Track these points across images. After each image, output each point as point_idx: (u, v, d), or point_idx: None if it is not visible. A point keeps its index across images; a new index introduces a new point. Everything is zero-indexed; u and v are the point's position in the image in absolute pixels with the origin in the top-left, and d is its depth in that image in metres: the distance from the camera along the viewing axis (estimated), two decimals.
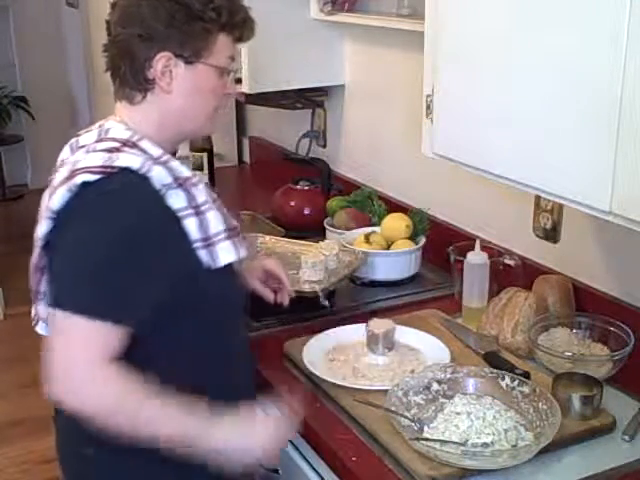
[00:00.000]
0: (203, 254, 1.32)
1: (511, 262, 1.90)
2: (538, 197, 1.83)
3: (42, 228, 1.30)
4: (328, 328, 1.76)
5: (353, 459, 1.38)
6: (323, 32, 2.51)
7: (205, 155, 3.04)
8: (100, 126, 1.40)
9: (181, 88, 1.36)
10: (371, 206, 2.30)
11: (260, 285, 1.72)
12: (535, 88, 1.33)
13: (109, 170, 1.26)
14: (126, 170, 1.27)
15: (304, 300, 1.81)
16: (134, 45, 1.32)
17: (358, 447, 1.41)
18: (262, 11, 2.37)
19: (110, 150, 1.30)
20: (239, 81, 2.45)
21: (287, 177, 2.56)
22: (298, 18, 2.46)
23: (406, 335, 1.72)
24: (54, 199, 1.27)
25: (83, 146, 1.37)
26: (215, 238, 1.33)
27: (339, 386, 1.55)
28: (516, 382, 1.46)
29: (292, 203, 2.48)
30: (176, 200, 1.30)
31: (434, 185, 2.22)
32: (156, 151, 1.33)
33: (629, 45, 1.13)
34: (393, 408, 1.40)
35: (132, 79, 1.35)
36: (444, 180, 2.12)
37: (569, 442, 1.38)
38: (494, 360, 1.61)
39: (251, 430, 1.33)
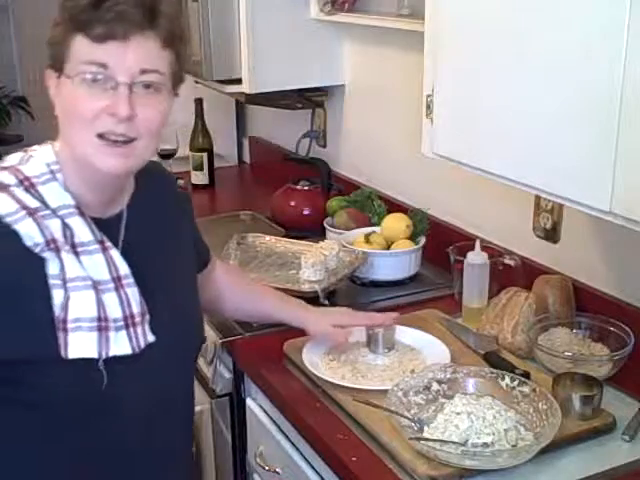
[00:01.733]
0: (59, 337, 1.14)
1: (511, 262, 1.90)
2: (538, 197, 1.83)
3: None
4: None
5: (353, 459, 1.37)
6: (323, 32, 2.51)
7: (205, 155, 3.04)
8: (27, 151, 1.25)
9: (58, 108, 1.20)
10: (371, 206, 2.30)
11: (332, 330, 1.64)
12: (535, 88, 1.33)
13: None
14: None
15: (304, 300, 1.81)
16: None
17: (358, 447, 1.41)
18: (262, 11, 2.40)
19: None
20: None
21: (287, 177, 2.56)
22: (298, 18, 2.46)
23: (406, 335, 1.73)
24: None
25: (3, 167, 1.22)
26: (72, 324, 1.14)
27: (339, 386, 1.55)
28: (516, 382, 1.46)
29: (292, 203, 2.48)
30: (51, 265, 1.14)
31: (434, 185, 2.22)
32: (58, 200, 1.17)
33: (629, 45, 1.13)
34: (393, 408, 1.40)
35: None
36: (444, 180, 2.12)
37: (569, 442, 1.38)
38: (494, 360, 1.61)
39: None
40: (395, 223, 2.13)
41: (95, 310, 1.15)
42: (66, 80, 1.15)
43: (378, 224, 2.19)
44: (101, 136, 1.14)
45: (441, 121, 1.58)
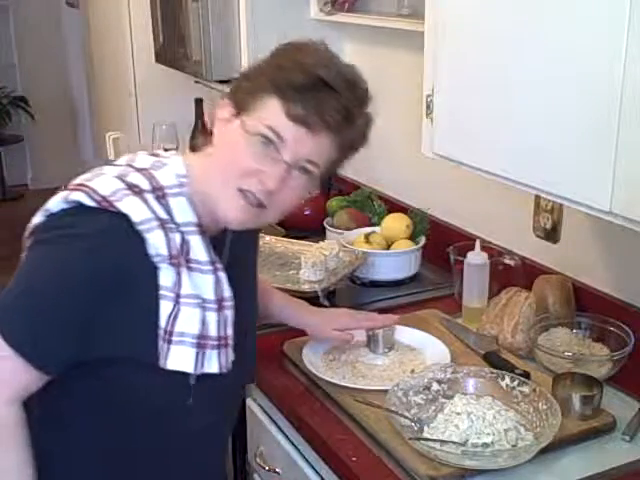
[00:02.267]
0: (160, 346, 1.19)
1: (511, 262, 1.90)
2: (538, 197, 1.83)
3: (36, 219, 1.22)
4: None
5: (353, 459, 1.37)
6: (323, 32, 2.49)
7: None
8: (158, 156, 1.28)
9: (217, 138, 1.23)
10: (371, 206, 2.30)
11: (336, 334, 1.65)
12: (535, 88, 1.33)
13: (108, 206, 1.16)
14: (121, 216, 1.15)
15: (304, 300, 1.81)
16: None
17: (358, 447, 1.41)
18: (262, 11, 2.40)
19: (130, 186, 1.18)
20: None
21: None
22: (298, 18, 2.46)
23: (406, 335, 1.73)
24: (53, 198, 1.20)
25: (130, 165, 1.25)
26: (176, 337, 1.19)
27: (339, 386, 1.55)
28: (516, 382, 1.46)
29: None
30: (164, 276, 1.17)
31: (434, 185, 2.22)
32: (185, 216, 1.20)
33: (629, 45, 1.13)
34: (393, 408, 1.40)
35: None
36: (444, 180, 2.11)
37: (569, 442, 1.38)
38: (494, 360, 1.61)
39: None
40: (395, 223, 2.13)
41: (199, 328, 1.20)
42: (241, 128, 1.18)
43: (378, 224, 2.19)
44: (240, 190, 1.18)
45: (441, 121, 1.58)
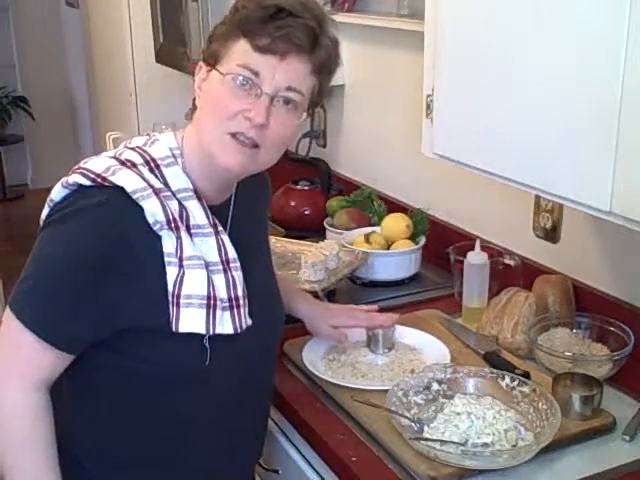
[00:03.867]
0: (171, 311, 1.21)
1: (511, 262, 1.90)
2: (538, 197, 1.83)
3: (43, 212, 1.26)
4: None
5: (353, 459, 1.37)
6: None
7: None
8: (151, 136, 1.33)
9: (203, 102, 1.27)
10: (371, 206, 2.30)
11: (331, 331, 1.65)
12: (535, 88, 1.33)
13: (102, 182, 1.20)
14: (118, 189, 1.20)
15: None
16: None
17: (358, 447, 1.41)
18: None
19: (122, 162, 1.23)
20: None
21: (287, 177, 2.56)
22: None
23: (406, 335, 1.73)
24: (54, 188, 1.24)
25: (126, 146, 1.31)
26: (184, 300, 1.21)
27: (339, 386, 1.55)
28: (516, 382, 1.46)
29: (292, 203, 2.48)
30: (166, 242, 1.21)
31: (434, 185, 2.22)
32: (178, 183, 1.24)
33: (629, 45, 1.13)
34: (393, 408, 1.40)
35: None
36: (444, 180, 2.11)
37: (569, 442, 1.38)
38: (494, 360, 1.61)
39: None
40: (395, 223, 2.13)
41: (206, 289, 1.23)
42: (217, 76, 1.23)
43: (378, 224, 2.19)
44: (232, 135, 1.21)
45: (441, 121, 1.58)
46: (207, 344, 1.24)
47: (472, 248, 1.85)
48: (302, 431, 1.53)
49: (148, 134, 1.35)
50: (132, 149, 1.28)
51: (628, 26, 1.13)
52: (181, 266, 1.21)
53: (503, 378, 1.48)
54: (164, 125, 2.83)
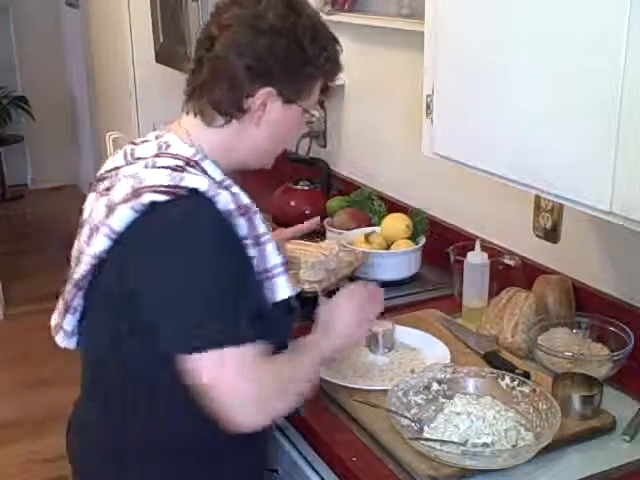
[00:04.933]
0: (266, 286, 1.29)
1: (511, 262, 1.90)
2: (538, 197, 1.83)
3: (98, 246, 1.24)
4: None
5: (353, 459, 1.38)
6: None
7: None
8: (158, 138, 1.35)
9: (269, 124, 1.33)
10: (371, 206, 2.30)
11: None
12: (535, 88, 1.33)
13: (177, 191, 1.21)
14: (193, 191, 1.21)
15: (304, 300, 1.81)
16: (240, 73, 1.28)
17: (358, 447, 1.41)
18: None
19: (174, 168, 1.25)
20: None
21: (287, 177, 2.56)
22: None
23: (406, 335, 1.73)
24: (116, 218, 1.22)
25: (139, 158, 1.31)
26: (274, 271, 1.30)
27: (339, 386, 1.55)
28: (516, 382, 1.46)
29: (292, 203, 2.48)
30: (240, 228, 1.26)
31: (434, 185, 2.22)
32: (218, 174, 1.30)
33: (629, 45, 1.13)
34: (393, 408, 1.40)
35: (225, 104, 1.30)
36: (444, 180, 2.12)
37: (569, 442, 1.38)
38: (494, 360, 1.61)
39: (338, 315, 1.43)
40: (395, 223, 2.13)
41: (280, 256, 1.32)
42: (298, 110, 1.34)
43: (378, 224, 2.19)
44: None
45: (441, 121, 1.58)
46: (294, 303, 1.35)
47: (472, 248, 1.85)
48: (302, 431, 1.53)
49: (146, 139, 1.37)
50: (163, 155, 1.28)
51: (628, 26, 1.13)
52: (258, 244, 1.28)
53: (503, 378, 1.48)
54: (163, 125, 2.83)
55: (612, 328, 1.62)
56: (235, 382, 1.19)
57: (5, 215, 5.79)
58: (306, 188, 2.52)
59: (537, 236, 1.91)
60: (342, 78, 2.58)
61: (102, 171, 1.39)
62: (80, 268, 1.30)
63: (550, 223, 1.86)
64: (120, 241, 1.23)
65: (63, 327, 1.37)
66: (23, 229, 5.42)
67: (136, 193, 1.22)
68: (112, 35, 3.88)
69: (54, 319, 1.40)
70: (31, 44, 5.92)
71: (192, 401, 1.21)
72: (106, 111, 4.40)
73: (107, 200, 1.28)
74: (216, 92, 1.29)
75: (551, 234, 1.87)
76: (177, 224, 1.21)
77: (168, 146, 1.31)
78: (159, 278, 1.21)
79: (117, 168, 1.34)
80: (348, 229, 2.19)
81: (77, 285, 1.32)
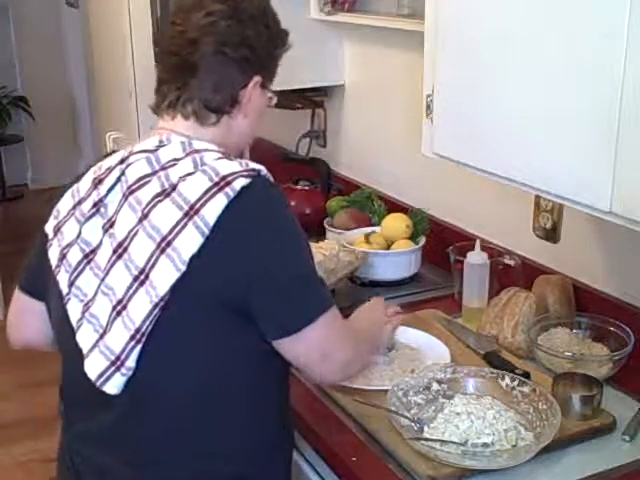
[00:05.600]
0: None
1: (511, 262, 1.90)
2: (538, 197, 1.83)
3: (190, 247, 1.17)
4: None
5: (353, 459, 1.38)
6: (323, 32, 2.51)
7: None
8: (167, 140, 1.30)
9: (253, 111, 1.37)
10: (371, 206, 2.30)
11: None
12: (535, 88, 1.33)
13: (253, 173, 1.23)
14: (261, 171, 1.26)
15: None
16: (238, 66, 1.30)
17: (358, 447, 1.41)
18: None
19: (228, 157, 1.27)
20: None
21: (287, 177, 2.56)
22: (298, 18, 2.45)
23: (406, 335, 1.72)
24: (209, 211, 1.18)
25: (172, 159, 1.25)
26: None
27: (339, 386, 1.55)
28: (516, 382, 1.46)
29: (292, 203, 2.48)
30: None
31: (434, 185, 2.22)
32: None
33: (629, 45, 1.13)
34: (393, 408, 1.40)
35: (221, 101, 1.31)
36: (444, 180, 2.12)
37: (569, 442, 1.38)
38: (494, 360, 1.61)
39: (373, 310, 1.62)
40: (395, 223, 2.13)
41: None
42: (268, 92, 1.40)
43: (378, 224, 2.19)
44: None
45: (441, 121, 1.58)
46: None
47: (472, 248, 1.85)
48: (302, 431, 1.53)
49: (161, 144, 1.31)
50: (202, 151, 1.27)
51: (628, 26, 1.13)
52: None
53: (503, 378, 1.48)
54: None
55: (612, 328, 1.62)
56: (341, 340, 1.30)
57: (5, 215, 5.79)
58: (306, 188, 2.52)
59: (537, 236, 1.91)
60: (342, 78, 2.59)
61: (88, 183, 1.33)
62: (140, 302, 1.19)
63: (550, 223, 1.86)
64: (213, 238, 1.18)
65: (112, 377, 1.23)
66: (23, 229, 5.41)
67: (223, 183, 1.20)
68: (112, 35, 3.88)
69: (96, 367, 1.24)
70: (31, 44, 5.92)
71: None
72: (106, 111, 4.39)
73: (175, 202, 1.20)
74: (211, 91, 1.30)
75: (551, 234, 1.87)
76: (268, 203, 1.25)
77: (168, 142, 1.29)
78: (277, 256, 1.24)
79: (146, 176, 1.26)
80: (348, 229, 2.19)
81: (139, 332, 1.20)
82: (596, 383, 1.46)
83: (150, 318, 1.19)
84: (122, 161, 1.29)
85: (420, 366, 1.61)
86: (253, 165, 1.25)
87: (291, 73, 2.49)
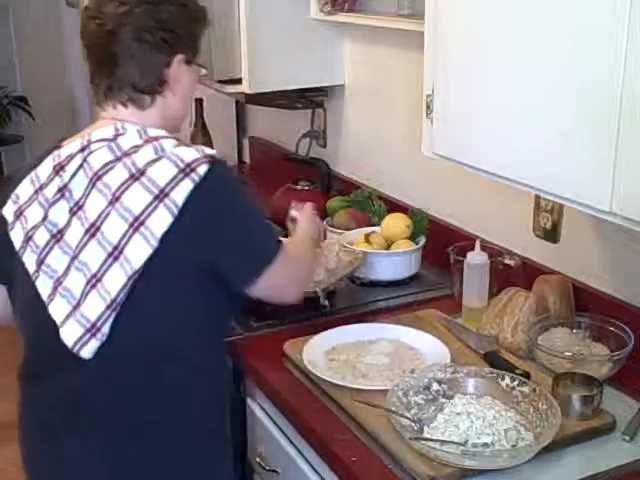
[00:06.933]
0: None
1: (511, 262, 1.90)
2: (538, 197, 1.84)
3: (161, 226, 1.30)
4: (328, 328, 1.76)
5: (353, 459, 1.37)
6: (323, 32, 2.51)
7: None
8: (122, 129, 1.40)
9: (182, 89, 1.45)
10: (371, 206, 2.30)
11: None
12: (535, 88, 1.33)
13: (211, 159, 1.34)
14: (215, 156, 1.36)
15: (304, 300, 1.81)
16: (157, 49, 1.38)
17: (358, 447, 1.41)
18: (262, 11, 2.40)
19: (183, 144, 1.37)
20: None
21: (287, 177, 2.56)
22: (298, 18, 2.46)
23: (406, 335, 1.73)
24: (178, 194, 1.30)
25: (133, 146, 1.36)
26: None
27: (339, 386, 1.55)
28: (516, 382, 1.46)
29: (292, 203, 2.48)
30: None
31: (434, 185, 2.22)
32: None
33: (629, 45, 1.13)
34: (393, 408, 1.40)
35: (147, 82, 1.40)
36: (444, 180, 2.11)
37: (569, 442, 1.38)
38: (494, 360, 1.61)
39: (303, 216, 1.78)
40: (395, 223, 2.13)
41: None
42: (196, 68, 1.48)
43: (378, 224, 2.19)
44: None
45: (441, 121, 1.58)
46: None
47: (472, 248, 1.85)
48: (302, 431, 1.53)
49: (111, 139, 1.40)
50: (161, 139, 1.37)
51: (628, 26, 1.13)
52: None
53: (503, 378, 1.48)
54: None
55: (612, 328, 1.62)
56: (295, 270, 1.51)
57: None
58: (306, 188, 2.51)
59: (537, 236, 1.91)
60: (342, 78, 2.59)
61: (44, 180, 1.42)
62: (115, 272, 1.31)
63: (550, 223, 1.86)
64: (182, 217, 1.30)
65: (88, 343, 1.33)
66: None
67: (188, 169, 1.32)
68: None
69: (72, 334, 1.34)
70: (31, 44, 5.92)
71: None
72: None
73: (144, 186, 1.31)
74: (138, 75, 1.39)
75: (551, 234, 1.87)
76: (229, 182, 1.40)
77: (125, 132, 1.38)
78: (238, 215, 1.38)
79: (110, 162, 1.37)
80: (348, 229, 2.19)
81: (114, 302, 1.31)
82: (596, 383, 1.46)
83: (125, 289, 1.31)
84: (83, 149, 1.39)
85: (420, 366, 1.61)
86: (208, 151, 1.37)
87: (291, 73, 2.52)
